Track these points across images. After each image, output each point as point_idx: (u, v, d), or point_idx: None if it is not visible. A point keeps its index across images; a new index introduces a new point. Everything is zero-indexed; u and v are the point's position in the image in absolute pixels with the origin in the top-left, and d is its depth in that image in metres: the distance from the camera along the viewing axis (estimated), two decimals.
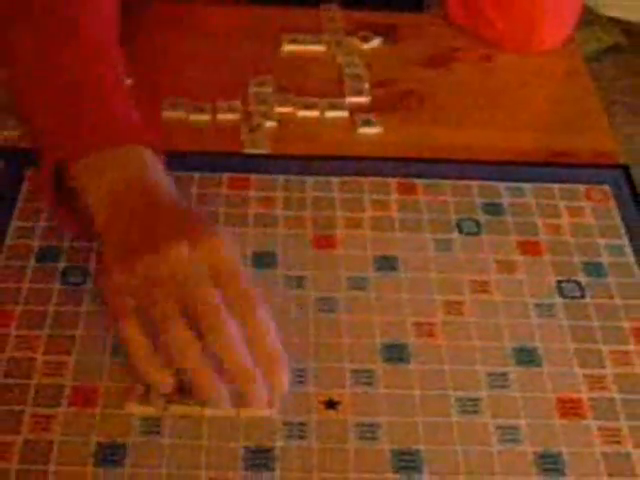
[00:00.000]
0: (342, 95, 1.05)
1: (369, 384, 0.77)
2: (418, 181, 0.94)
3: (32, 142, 0.88)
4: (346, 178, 0.94)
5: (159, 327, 0.73)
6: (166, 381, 0.74)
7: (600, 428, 0.75)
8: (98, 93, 0.87)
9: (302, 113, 1.02)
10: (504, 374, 0.78)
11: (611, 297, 0.85)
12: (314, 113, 1.03)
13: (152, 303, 0.73)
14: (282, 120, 1.01)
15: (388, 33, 1.14)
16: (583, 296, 0.85)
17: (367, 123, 1.01)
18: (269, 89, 1.05)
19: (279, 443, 0.73)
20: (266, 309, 0.74)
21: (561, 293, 0.85)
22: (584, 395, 0.77)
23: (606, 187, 0.96)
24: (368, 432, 0.74)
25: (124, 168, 0.82)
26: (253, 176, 0.94)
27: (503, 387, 0.77)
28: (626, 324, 0.83)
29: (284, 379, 0.73)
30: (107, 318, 0.78)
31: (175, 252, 0.74)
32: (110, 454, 0.71)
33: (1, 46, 0.93)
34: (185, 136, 0.99)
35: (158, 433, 0.73)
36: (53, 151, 0.83)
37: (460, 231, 0.90)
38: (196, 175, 0.94)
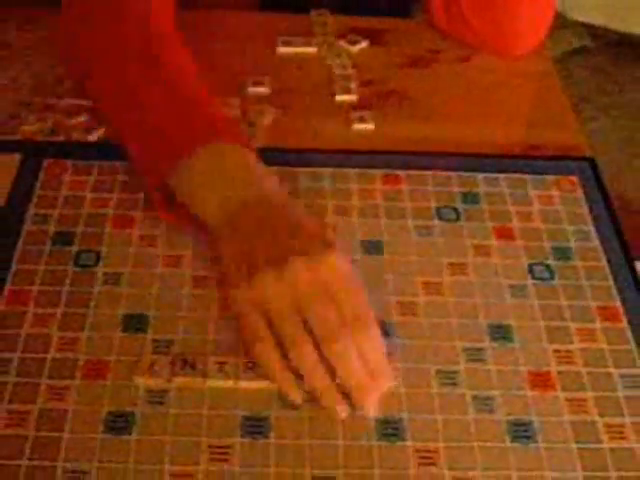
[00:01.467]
0: (332, 93, 1.05)
1: None
2: (401, 172, 0.94)
3: (134, 163, 0.89)
4: (336, 170, 0.94)
5: (288, 347, 0.73)
6: (299, 398, 0.73)
7: (568, 399, 0.75)
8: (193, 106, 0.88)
9: (295, 111, 1.02)
10: (480, 349, 0.78)
11: (578, 279, 0.85)
12: (307, 111, 1.02)
13: (279, 319, 0.73)
14: (277, 117, 1.01)
15: (375, 36, 1.14)
16: (552, 278, 0.85)
17: (361, 120, 1.01)
18: (265, 88, 1.04)
19: (274, 412, 0.73)
20: (376, 327, 0.74)
21: (532, 275, 0.85)
22: (553, 368, 0.77)
23: (574, 177, 0.95)
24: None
25: (229, 176, 0.81)
26: None
27: (479, 361, 0.77)
28: (592, 304, 0.82)
29: (375, 398, 0.73)
30: (242, 333, 0.76)
31: (295, 270, 0.74)
32: (119, 422, 0.71)
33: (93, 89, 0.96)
34: None
35: (163, 403, 0.73)
36: (153, 170, 0.84)
37: (440, 218, 0.90)
38: None
